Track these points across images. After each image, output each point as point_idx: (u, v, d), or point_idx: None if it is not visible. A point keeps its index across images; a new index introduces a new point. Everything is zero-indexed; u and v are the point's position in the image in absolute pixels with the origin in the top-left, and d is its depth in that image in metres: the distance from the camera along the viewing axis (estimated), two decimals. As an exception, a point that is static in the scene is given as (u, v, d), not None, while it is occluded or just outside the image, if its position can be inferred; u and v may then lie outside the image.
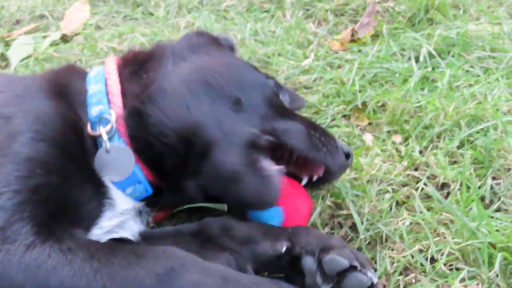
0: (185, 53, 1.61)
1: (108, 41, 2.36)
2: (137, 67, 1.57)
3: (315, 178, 1.56)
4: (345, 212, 1.59)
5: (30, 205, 1.21)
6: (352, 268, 1.30)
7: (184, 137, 1.45)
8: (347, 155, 1.57)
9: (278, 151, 1.49)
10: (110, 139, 1.43)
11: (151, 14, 2.57)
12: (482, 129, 1.74)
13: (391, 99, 1.86)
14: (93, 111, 1.46)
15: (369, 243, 1.54)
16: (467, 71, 2.01)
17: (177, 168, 1.47)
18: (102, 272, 1.15)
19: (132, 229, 1.47)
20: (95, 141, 1.44)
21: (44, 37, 2.54)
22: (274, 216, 1.50)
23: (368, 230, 1.54)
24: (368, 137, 1.81)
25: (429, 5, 2.29)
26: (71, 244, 1.19)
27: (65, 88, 1.51)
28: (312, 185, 1.59)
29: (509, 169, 1.65)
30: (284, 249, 1.38)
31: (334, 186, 1.63)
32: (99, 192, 1.41)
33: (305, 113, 1.91)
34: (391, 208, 1.60)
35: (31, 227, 1.18)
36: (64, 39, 2.52)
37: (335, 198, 1.62)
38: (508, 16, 2.26)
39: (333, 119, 1.91)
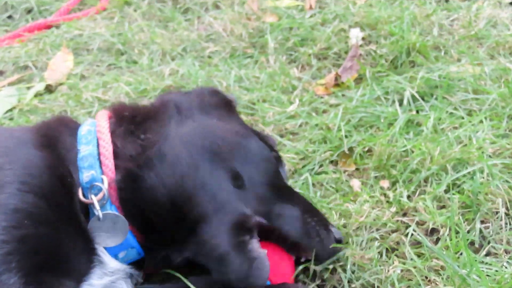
0: (194, 111, 1.59)
1: (92, 91, 2.36)
2: (133, 126, 1.55)
3: (302, 259, 1.54)
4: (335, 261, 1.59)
5: (18, 256, 1.21)
6: None
7: (176, 207, 1.43)
8: (339, 241, 1.54)
9: (268, 232, 1.48)
10: (102, 207, 1.41)
11: (135, 62, 2.58)
12: (469, 172, 1.75)
13: (377, 144, 1.87)
14: (85, 176, 1.43)
15: (361, 291, 1.54)
16: (451, 113, 2.03)
17: (165, 236, 1.46)
18: None
19: None
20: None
21: (28, 88, 2.53)
22: None
23: (358, 279, 1.54)
24: (355, 183, 1.82)
25: (411, 47, 2.32)
26: None
27: (55, 141, 1.49)
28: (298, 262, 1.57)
29: (497, 213, 1.65)
30: None
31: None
32: (89, 248, 1.40)
33: (293, 160, 1.92)
34: (381, 255, 1.60)
35: (18, 278, 1.18)
36: (49, 89, 2.52)
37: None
38: (488, 57, 2.29)
39: (321, 165, 1.91)
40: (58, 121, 1.61)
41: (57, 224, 1.32)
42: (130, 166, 1.45)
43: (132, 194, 1.44)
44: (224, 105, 1.69)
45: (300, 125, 2.10)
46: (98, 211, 1.40)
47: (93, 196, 1.41)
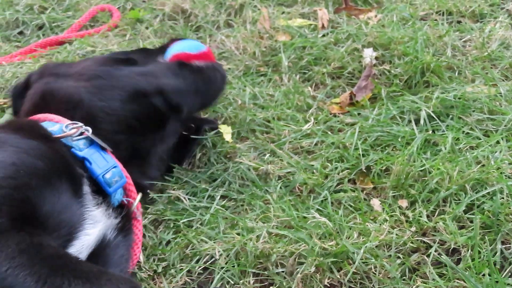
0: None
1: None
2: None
3: None
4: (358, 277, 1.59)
5: (9, 201, 1.30)
6: None
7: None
8: None
9: None
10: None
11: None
12: (488, 193, 1.75)
13: (395, 164, 1.87)
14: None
15: (382, 311, 1.53)
16: (467, 133, 2.03)
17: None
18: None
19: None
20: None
21: (41, 103, 2.52)
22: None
23: (381, 299, 1.54)
24: (376, 203, 1.81)
25: (425, 68, 2.33)
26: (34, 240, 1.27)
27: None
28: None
29: (517, 233, 1.65)
30: None
31: (345, 250, 1.62)
32: (80, 202, 1.52)
33: (310, 179, 1.91)
34: (402, 275, 1.59)
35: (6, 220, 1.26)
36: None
37: (343, 263, 1.61)
38: (502, 78, 2.30)
39: (338, 184, 1.91)
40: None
41: (49, 176, 1.44)
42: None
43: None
44: None
45: (316, 144, 2.09)
46: (86, 132, 1.66)
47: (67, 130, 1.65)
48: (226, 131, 2.15)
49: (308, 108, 2.29)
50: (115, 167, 1.65)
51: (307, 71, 2.51)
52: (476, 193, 1.77)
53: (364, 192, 1.89)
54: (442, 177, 1.82)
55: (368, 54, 2.48)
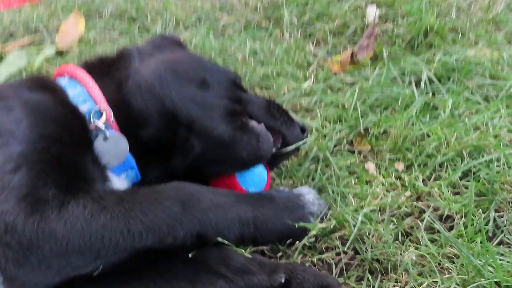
0: (151, 51, 1.76)
1: (104, 57, 2.32)
2: (106, 68, 1.69)
3: (274, 150, 1.67)
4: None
5: (51, 172, 1.32)
6: None
7: (166, 120, 1.58)
8: (303, 130, 1.74)
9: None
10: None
11: (148, 30, 2.55)
12: (485, 160, 1.75)
13: (393, 127, 1.86)
14: (82, 108, 1.55)
15: (372, 272, 1.53)
16: (467, 98, 2.01)
17: (165, 147, 1.60)
18: (135, 210, 1.31)
19: None
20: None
21: (38, 51, 2.49)
22: (262, 174, 1.67)
23: (372, 262, 1.54)
24: (371, 166, 1.81)
25: (428, 28, 2.29)
26: (99, 194, 1.33)
27: (49, 84, 1.60)
28: (273, 162, 1.73)
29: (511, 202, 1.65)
30: (283, 279, 1.41)
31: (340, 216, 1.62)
32: (102, 175, 1.53)
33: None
34: (395, 239, 1.60)
35: (57, 189, 1.29)
36: (59, 53, 2.49)
37: (339, 225, 1.61)
38: (506, 42, 2.27)
39: (335, 145, 1.90)
40: (38, 77, 1.73)
41: (78, 149, 1.45)
42: (116, 97, 1.59)
43: (126, 120, 1.57)
44: (174, 43, 1.88)
45: (315, 102, 2.08)
46: (104, 131, 1.52)
47: (96, 120, 1.53)
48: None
49: (309, 65, 2.26)
50: (132, 168, 1.59)
51: (308, 27, 2.48)
52: (473, 160, 1.76)
53: (362, 154, 1.88)
54: (440, 142, 1.81)
55: (372, 12, 2.45)
